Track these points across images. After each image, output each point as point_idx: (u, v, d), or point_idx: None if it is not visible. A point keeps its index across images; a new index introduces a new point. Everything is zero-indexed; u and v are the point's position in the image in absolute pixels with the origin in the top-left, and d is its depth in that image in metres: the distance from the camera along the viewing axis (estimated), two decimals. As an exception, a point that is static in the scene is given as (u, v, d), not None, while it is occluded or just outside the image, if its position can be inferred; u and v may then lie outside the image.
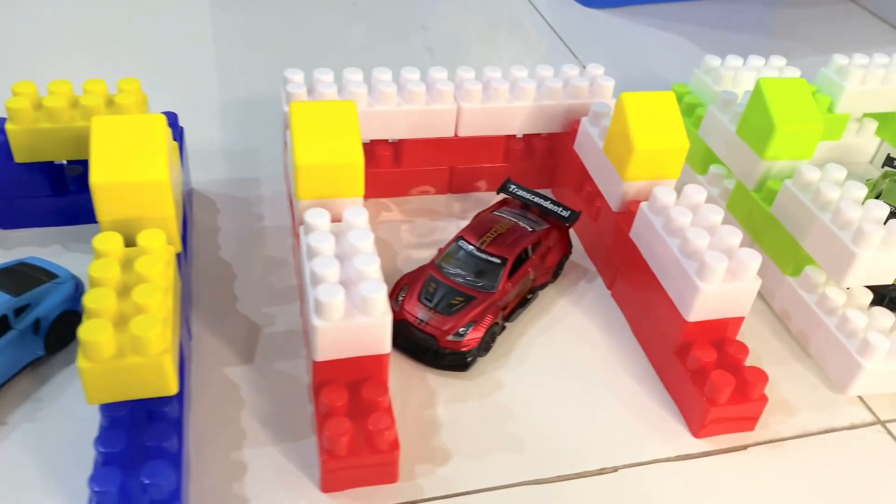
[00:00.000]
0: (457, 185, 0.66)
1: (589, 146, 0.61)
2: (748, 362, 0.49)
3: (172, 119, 0.60)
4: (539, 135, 0.67)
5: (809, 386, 0.53)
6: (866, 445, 0.50)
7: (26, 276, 0.48)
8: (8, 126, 0.53)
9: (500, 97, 0.62)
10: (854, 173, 0.73)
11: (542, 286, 0.57)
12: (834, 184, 0.54)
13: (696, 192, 0.52)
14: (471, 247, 0.54)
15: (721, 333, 0.50)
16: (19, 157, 0.54)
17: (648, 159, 0.54)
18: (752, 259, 0.47)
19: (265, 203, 0.64)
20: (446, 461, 0.46)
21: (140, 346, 0.38)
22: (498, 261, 0.53)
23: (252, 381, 0.49)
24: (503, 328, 0.53)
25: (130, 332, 0.37)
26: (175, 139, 0.58)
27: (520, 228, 0.56)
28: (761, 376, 0.47)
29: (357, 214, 0.48)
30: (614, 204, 0.57)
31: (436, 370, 0.51)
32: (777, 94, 0.57)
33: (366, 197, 0.63)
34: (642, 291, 0.54)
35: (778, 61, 0.72)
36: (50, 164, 0.56)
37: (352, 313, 0.42)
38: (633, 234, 0.55)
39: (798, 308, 0.56)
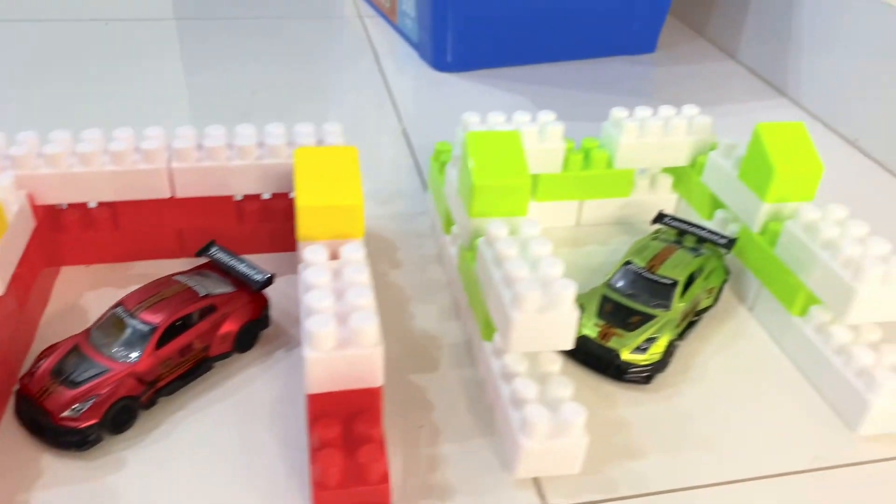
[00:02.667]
0: (189, 248, 0.63)
1: (296, 205, 0.57)
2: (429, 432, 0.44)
3: None
4: (285, 194, 0.64)
5: (482, 465, 0.47)
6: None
7: None
8: None
9: (216, 156, 0.59)
10: (646, 231, 0.68)
11: (221, 357, 0.53)
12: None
13: (352, 250, 0.48)
14: (125, 313, 0.50)
15: (356, 405, 0.45)
16: None
17: (316, 218, 0.51)
18: (369, 322, 0.43)
19: None
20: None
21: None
22: (146, 328, 0.49)
23: None
24: (153, 403, 0.49)
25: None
26: None
27: (191, 293, 0.52)
28: (378, 455, 0.42)
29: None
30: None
31: (57, 449, 0.46)
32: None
33: (87, 263, 0.61)
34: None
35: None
36: None
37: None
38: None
39: (488, 376, 0.51)
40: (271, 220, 0.64)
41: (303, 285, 0.47)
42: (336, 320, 0.43)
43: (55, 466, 0.45)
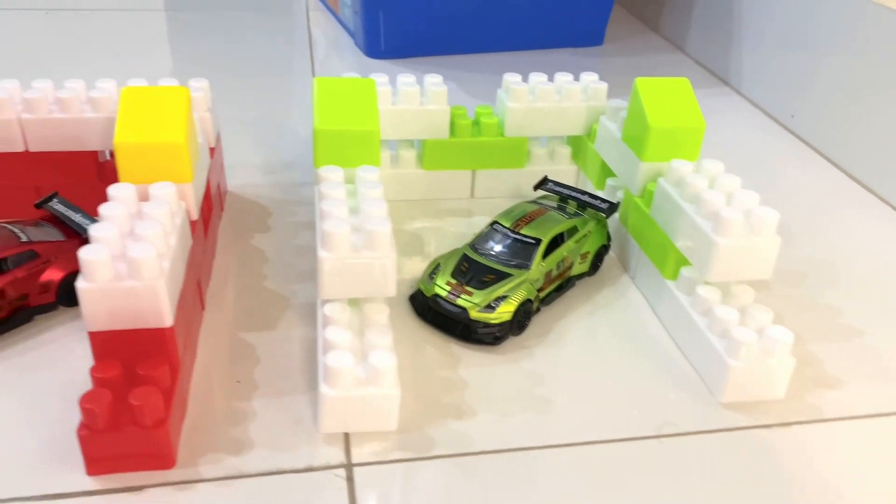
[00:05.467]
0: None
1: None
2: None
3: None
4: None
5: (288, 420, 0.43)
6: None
7: None
8: None
9: (70, 108, 0.57)
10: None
11: (45, 307, 0.50)
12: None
13: (158, 188, 0.45)
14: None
15: (147, 348, 0.41)
16: None
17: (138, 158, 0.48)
18: (148, 254, 0.39)
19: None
20: None
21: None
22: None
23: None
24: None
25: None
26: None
27: (10, 238, 0.49)
28: (152, 399, 0.38)
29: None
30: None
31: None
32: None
33: None
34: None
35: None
36: None
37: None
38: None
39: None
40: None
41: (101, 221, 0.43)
42: (116, 253, 0.39)
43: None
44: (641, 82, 0.56)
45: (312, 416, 0.43)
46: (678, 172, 0.52)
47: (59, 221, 0.53)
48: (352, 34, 1.07)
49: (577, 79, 0.66)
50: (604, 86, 0.65)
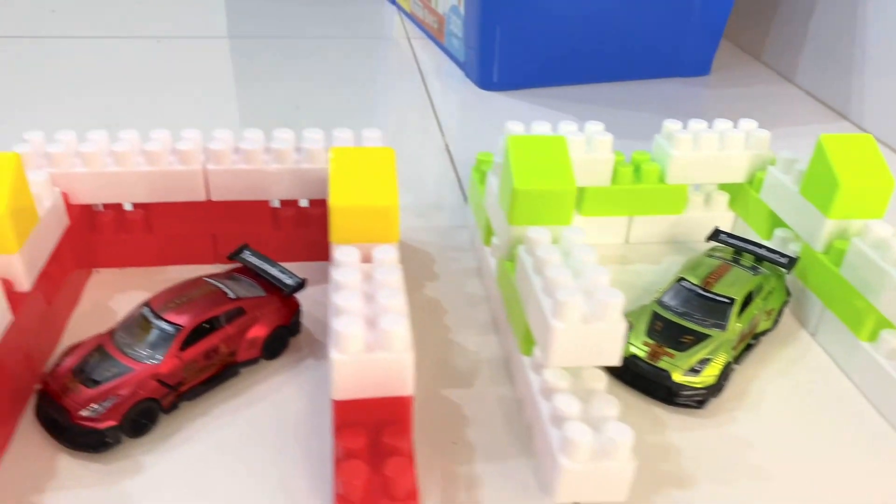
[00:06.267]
0: (223, 253, 0.61)
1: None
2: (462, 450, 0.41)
3: None
4: (323, 201, 0.62)
5: (521, 488, 0.44)
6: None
7: None
8: None
9: (253, 160, 0.58)
10: (700, 251, 0.65)
11: (249, 362, 0.51)
12: (561, 248, 0.47)
13: (346, 254, 0.46)
14: (150, 313, 0.48)
15: (386, 416, 0.42)
16: None
17: (350, 219, 0.48)
18: (398, 326, 0.40)
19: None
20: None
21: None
22: (171, 329, 0.47)
23: None
24: (174, 406, 0.47)
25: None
26: None
27: (219, 295, 0.50)
28: (405, 469, 0.39)
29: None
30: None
31: (71, 449, 0.44)
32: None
33: (120, 266, 0.60)
34: (333, 368, 0.47)
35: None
36: None
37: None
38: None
39: (527, 394, 0.47)
40: (307, 226, 0.62)
41: (332, 285, 0.44)
42: (365, 322, 0.40)
43: (71, 468, 0.43)
44: (826, 139, 0.55)
45: (538, 484, 0.44)
46: (875, 233, 0.52)
47: (253, 274, 0.54)
48: (461, 65, 1.08)
49: (735, 125, 0.66)
50: (766, 134, 0.64)
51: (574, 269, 0.45)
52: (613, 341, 0.42)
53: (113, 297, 0.58)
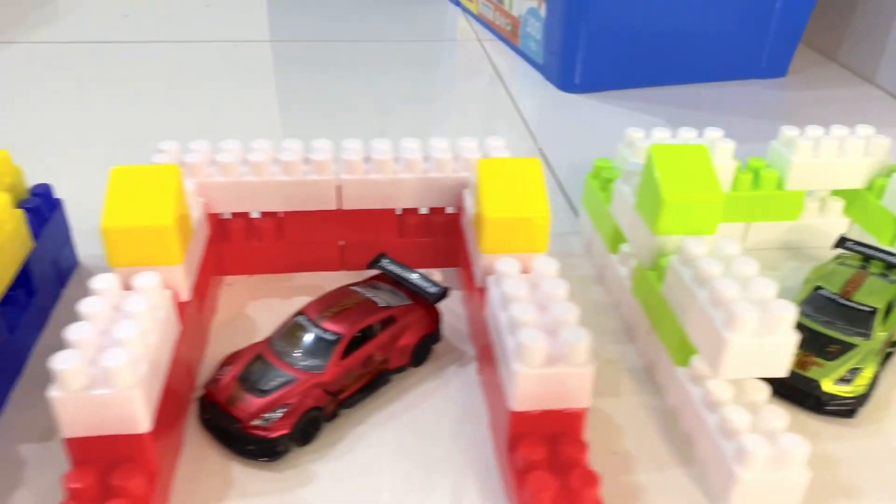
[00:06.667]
0: (349, 261, 0.62)
1: (467, 219, 0.56)
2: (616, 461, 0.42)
3: (44, 191, 0.59)
4: (443, 209, 0.63)
5: (685, 498, 0.44)
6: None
7: None
8: None
9: (383, 169, 0.59)
10: (816, 257, 0.65)
11: (398, 370, 0.51)
12: (719, 259, 0.47)
13: (546, 265, 0.46)
14: (307, 322, 0.49)
15: (559, 428, 0.42)
16: None
17: (502, 230, 0.49)
18: (580, 338, 0.40)
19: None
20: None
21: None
22: (332, 337, 0.48)
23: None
24: (335, 415, 0.48)
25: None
26: (46, 212, 0.58)
27: (370, 304, 0.51)
28: (591, 480, 0.39)
29: (146, 280, 0.44)
30: (477, 278, 0.52)
31: (241, 458, 0.45)
32: (669, 162, 0.51)
33: (248, 273, 0.61)
34: (492, 375, 0.47)
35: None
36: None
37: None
38: (486, 311, 0.49)
39: (685, 404, 0.48)
40: (431, 234, 0.62)
41: (499, 297, 0.45)
42: (545, 335, 0.41)
43: (244, 477, 0.44)
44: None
45: (705, 494, 0.44)
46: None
47: (393, 282, 0.54)
48: (539, 67, 1.08)
49: (852, 131, 0.66)
50: (886, 140, 0.64)
51: (738, 280, 0.45)
52: (784, 354, 0.43)
53: (246, 304, 0.59)
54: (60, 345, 0.53)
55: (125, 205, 0.46)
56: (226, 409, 0.45)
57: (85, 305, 0.42)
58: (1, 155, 0.56)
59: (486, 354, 0.49)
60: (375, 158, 0.59)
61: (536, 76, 1.07)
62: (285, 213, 0.60)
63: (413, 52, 1.15)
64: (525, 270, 0.48)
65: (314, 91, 1.00)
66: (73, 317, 0.56)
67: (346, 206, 0.60)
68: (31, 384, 0.50)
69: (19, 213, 0.53)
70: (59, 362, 0.37)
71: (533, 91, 1.03)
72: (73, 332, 0.40)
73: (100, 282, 0.44)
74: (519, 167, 0.51)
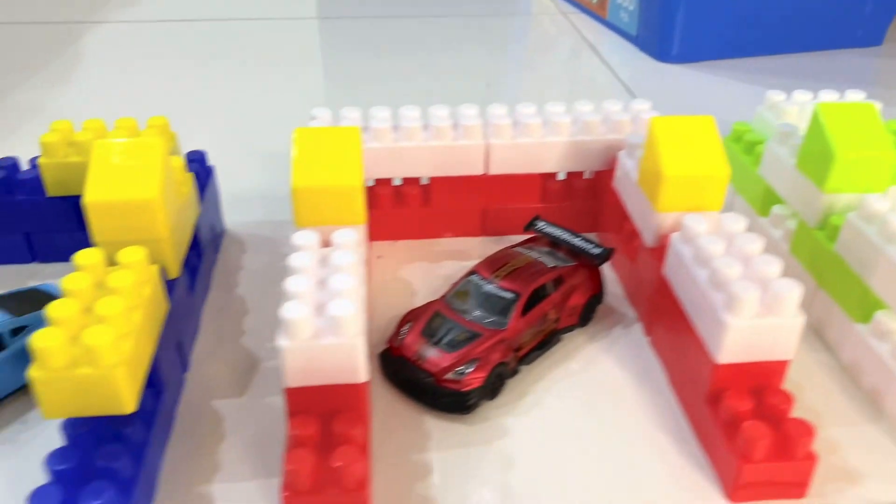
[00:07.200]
0: (490, 227, 0.63)
1: (625, 180, 0.56)
2: (804, 417, 0.41)
3: (199, 157, 0.61)
4: (580, 174, 0.63)
5: (881, 452, 0.44)
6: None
7: (34, 300, 0.48)
8: (40, 160, 0.55)
9: (532, 133, 0.59)
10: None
11: (567, 329, 0.52)
12: None
13: (734, 221, 0.46)
14: (483, 281, 0.50)
15: (761, 380, 0.42)
16: (51, 190, 0.56)
17: (682, 188, 0.49)
18: (792, 290, 0.41)
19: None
20: (428, 511, 0.41)
21: (92, 357, 0.36)
22: (510, 295, 0.48)
23: (239, 415, 0.46)
24: (515, 371, 0.48)
25: (83, 343, 0.36)
26: (203, 178, 0.59)
27: (538, 264, 0.51)
28: (806, 430, 0.40)
29: (346, 236, 0.45)
30: (648, 238, 0.52)
31: (434, 411, 0.46)
32: (837, 120, 0.51)
33: (394, 239, 0.62)
34: (675, 333, 0.47)
35: (855, 95, 0.65)
36: (78, 199, 0.58)
37: (321, 333, 0.39)
38: (665, 270, 0.49)
39: (869, 360, 0.47)
40: (572, 199, 0.63)
41: (692, 254, 0.45)
42: (756, 287, 0.41)
43: (439, 430, 0.45)
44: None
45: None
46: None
47: (550, 244, 0.55)
48: (631, 39, 1.07)
49: None
50: None
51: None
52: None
53: (400, 267, 0.59)
54: (225, 306, 0.55)
55: (312, 165, 0.47)
56: (416, 363, 0.46)
57: (295, 259, 0.43)
58: (160, 121, 0.57)
59: (665, 314, 0.49)
60: (524, 122, 0.59)
61: (629, 47, 1.07)
62: (431, 179, 0.61)
63: (494, 27, 1.15)
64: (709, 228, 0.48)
65: (408, 63, 1.01)
66: (231, 280, 0.58)
67: (493, 170, 0.60)
68: (208, 342, 0.52)
69: (191, 176, 0.54)
70: (289, 312, 0.38)
71: (630, 62, 1.02)
72: (291, 284, 0.40)
73: (302, 238, 0.45)
74: (693, 125, 0.51)
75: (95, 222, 0.44)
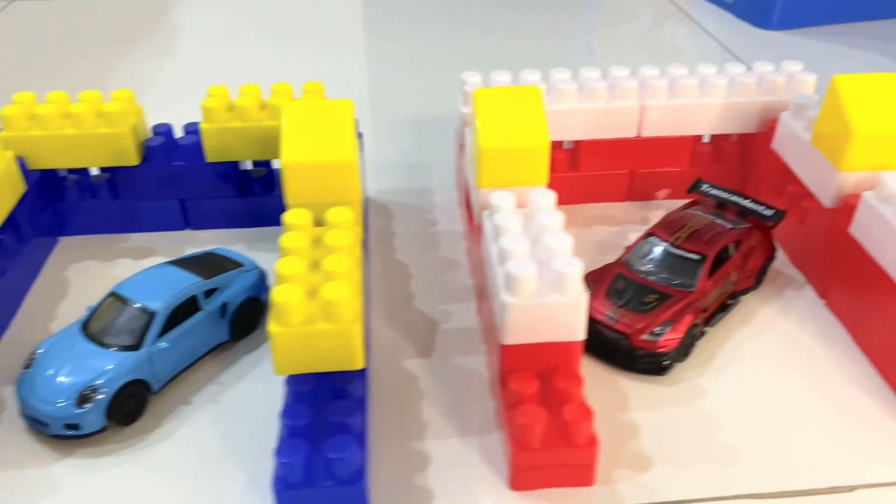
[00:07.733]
0: (636, 191, 0.62)
1: (792, 142, 0.55)
2: None
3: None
4: (728, 137, 0.62)
5: None
6: None
7: (215, 263, 0.49)
8: (202, 125, 0.55)
9: (687, 94, 0.58)
10: None
11: (745, 291, 0.51)
12: None
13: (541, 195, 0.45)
14: (664, 243, 0.49)
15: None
16: (211, 156, 0.56)
17: (869, 145, 0.48)
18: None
19: (438, 210, 0.62)
20: (647, 468, 0.40)
21: (331, 313, 0.36)
22: (696, 257, 0.48)
23: (431, 375, 0.46)
24: (703, 333, 0.48)
25: (322, 298, 0.36)
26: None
27: (717, 225, 0.50)
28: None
29: (544, 196, 0.45)
30: (827, 199, 0.51)
31: (627, 373, 0.46)
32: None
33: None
34: (868, 293, 0.47)
35: None
36: (236, 166, 0.58)
37: (545, 291, 0.39)
38: (853, 230, 0.48)
39: None
40: (721, 162, 0.62)
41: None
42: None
43: (636, 391, 0.45)
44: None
45: None
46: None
47: (715, 206, 0.54)
48: (727, 6, 1.05)
49: None
50: None
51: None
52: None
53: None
54: (387, 272, 0.54)
55: (500, 126, 0.46)
56: (608, 325, 0.46)
57: (501, 219, 0.43)
58: (317, 87, 0.57)
59: (853, 275, 0.48)
60: (679, 84, 0.58)
61: (725, 14, 1.05)
62: (575, 143, 0.60)
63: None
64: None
65: (499, 33, 1.00)
66: (387, 246, 0.58)
67: (646, 133, 0.59)
68: (380, 306, 0.52)
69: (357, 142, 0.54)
70: (515, 269, 0.38)
71: (730, 29, 1.00)
72: (506, 242, 0.40)
73: (499, 198, 0.45)
74: (878, 82, 0.49)
75: (291, 184, 0.44)
